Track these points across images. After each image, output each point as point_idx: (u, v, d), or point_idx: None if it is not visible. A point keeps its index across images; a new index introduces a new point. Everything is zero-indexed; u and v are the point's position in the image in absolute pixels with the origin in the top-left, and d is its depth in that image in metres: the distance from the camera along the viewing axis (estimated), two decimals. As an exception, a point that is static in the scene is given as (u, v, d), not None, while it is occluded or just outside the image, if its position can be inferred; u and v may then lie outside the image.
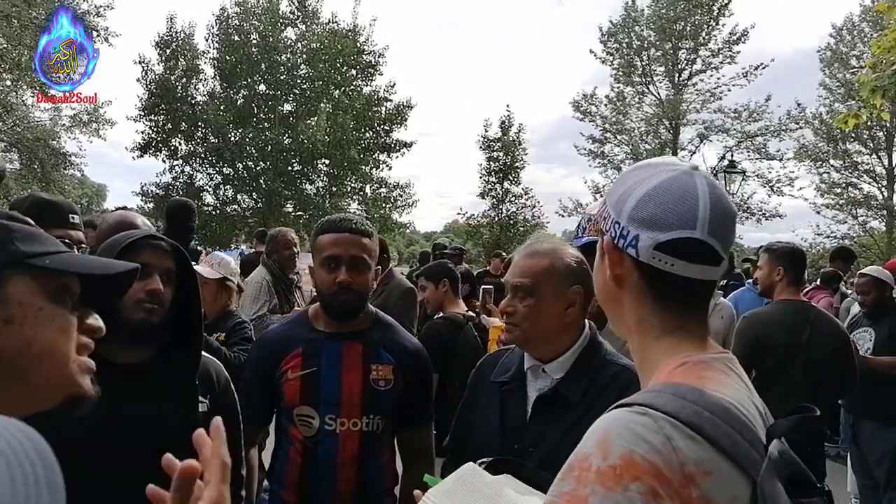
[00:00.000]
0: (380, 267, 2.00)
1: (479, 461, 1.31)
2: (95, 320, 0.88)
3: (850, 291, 6.91)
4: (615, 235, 0.91)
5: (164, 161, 21.57)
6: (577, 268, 1.62)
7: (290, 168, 21.65)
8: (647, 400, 0.78)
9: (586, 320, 1.70)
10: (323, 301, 1.90)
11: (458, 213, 23.90)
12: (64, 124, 20.95)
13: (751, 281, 5.65)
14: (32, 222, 0.89)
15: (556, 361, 1.62)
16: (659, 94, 23.58)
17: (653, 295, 0.90)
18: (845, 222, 23.19)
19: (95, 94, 10.69)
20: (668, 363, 0.87)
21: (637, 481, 0.71)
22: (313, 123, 20.52)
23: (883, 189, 22.81)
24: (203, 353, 1.63)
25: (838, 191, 23.20)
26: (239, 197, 22.24)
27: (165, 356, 1.54)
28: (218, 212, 22.03)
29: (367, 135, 21.86)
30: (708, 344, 0.91)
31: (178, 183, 21.75)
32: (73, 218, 2.07)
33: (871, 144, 22.56)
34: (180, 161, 21.67)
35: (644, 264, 0.88)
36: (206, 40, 21.50)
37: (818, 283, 6.80)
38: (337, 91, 21.77)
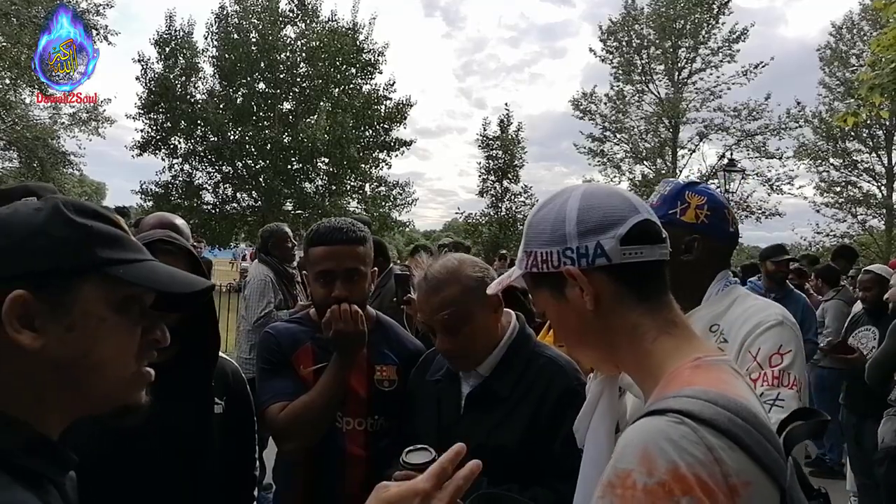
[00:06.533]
0: (375, 269, 1.97)
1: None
2: (161, 332, 0.86)
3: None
4: (574, 260, 0.90)
5: (163, 159, 21.60)
6: (483, 273, 1.66)
7: (289, 166, 21.63)
8: (682, 406, 0.75)
9: (511, 312, 1.74)
10: (320, 314, 1.84)
11: (457, 212, 23.93)
12: (63, 123, 20.89)
13: (754, 278, 5.79)
14: (119, 221, 0.84)
15: (486, 360, 1.66)
16: (659, 92, 23.59)
17: (636, 296, 0.90)
18: (845, 221, 23.23)
19: (96, 93, 10.76)
20: (677, 364, 0.85)
21: (687, 496, 0.69)
22: (313, 122, 20.48)
23: (882, 187, 22.82)
24: (220, 354, 1.62)
25: (838, 189, 23.22)
26: (238, 195, 22.24)
27: (181, 358, 1.52)
28: (217, 210, 22.04)
29: (367, 133, 21.85)
30: (702, 340, 0.92)
31: (177, 181, 21.75)
32: None
33: (871, 143, 22.57)
34: (180, 159, 21.66)
35: (617, 266, 0.89)
36: (206, 38, 21.54)
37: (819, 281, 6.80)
38: (336, 89, 21.76)
